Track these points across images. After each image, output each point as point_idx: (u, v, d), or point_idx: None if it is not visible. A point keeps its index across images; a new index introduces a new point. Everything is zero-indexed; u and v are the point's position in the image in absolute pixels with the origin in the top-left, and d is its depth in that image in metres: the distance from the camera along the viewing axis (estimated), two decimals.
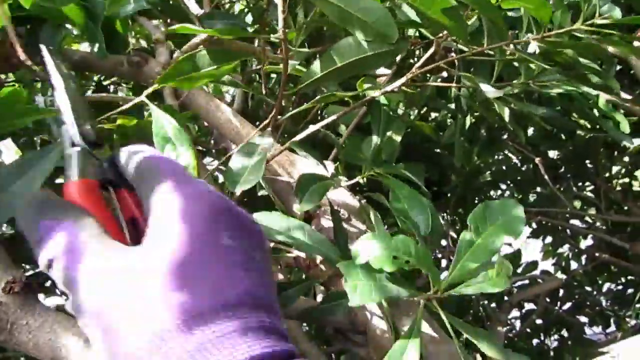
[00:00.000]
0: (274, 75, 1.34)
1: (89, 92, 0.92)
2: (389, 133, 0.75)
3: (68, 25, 0.75)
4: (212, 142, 1.17)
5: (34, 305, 0.43)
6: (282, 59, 0.45)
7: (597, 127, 1.37)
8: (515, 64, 0.73)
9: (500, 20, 0.57)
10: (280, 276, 0.74)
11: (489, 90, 0.57)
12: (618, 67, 1.19)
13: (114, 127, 0.49)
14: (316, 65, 0.49)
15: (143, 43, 1.24)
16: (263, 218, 0.49)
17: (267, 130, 0.48)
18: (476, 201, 1.49)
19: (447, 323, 0.42)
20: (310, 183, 0.55)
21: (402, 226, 0.55)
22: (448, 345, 0.52)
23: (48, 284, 0.99)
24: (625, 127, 0.73)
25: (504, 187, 1.68)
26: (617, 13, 0.71)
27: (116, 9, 0.61)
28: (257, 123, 1.34)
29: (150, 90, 0.45)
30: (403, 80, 0.59)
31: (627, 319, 1.89)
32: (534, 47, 0.79)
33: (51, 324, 0.42)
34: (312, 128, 0.58)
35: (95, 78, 0.92)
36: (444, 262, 1.74)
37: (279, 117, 0.56)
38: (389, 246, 0.41)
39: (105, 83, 0.87)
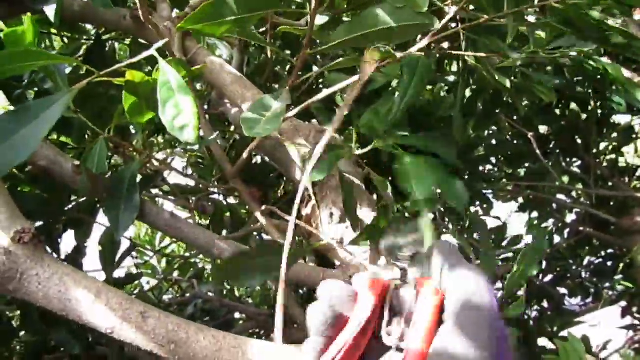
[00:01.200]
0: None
1: (83, 50, 0.89)
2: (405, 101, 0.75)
3: None
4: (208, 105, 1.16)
5: (43, 256, 0.43)
6: (311, 15, 0.45)
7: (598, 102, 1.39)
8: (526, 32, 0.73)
9: None
10: None
11: (514, 55, 0.57)
12: None
13: (122, 82, 0.48)
14: (343, 29, 0.49)
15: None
16: None
17: (285, 89, 0.47)
18: (468, 174, 1.51)
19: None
20: (327, 152, 0.55)
21: (407, 188, 0.56)
22: None
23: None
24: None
25: (494, 161, 1.70)
26: None
27: None
28: (263, 94, 1.32)
29: (160, 43, 0.44)
30: (424, 43, 0.58)
31: (606, 291, 1.94)
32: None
33: (61, 276, 0.42)
34: (322, 93, 0.58)
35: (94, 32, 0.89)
36: None
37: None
38: None
39: (104, 38, 0.85)
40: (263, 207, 0.57)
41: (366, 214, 0.65)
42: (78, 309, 0.42)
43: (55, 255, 1.03)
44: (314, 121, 0.72)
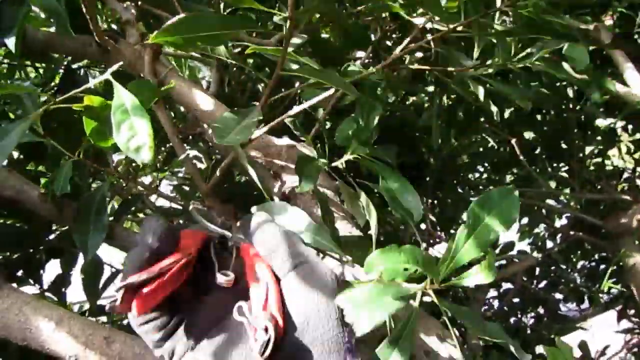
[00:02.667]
0: (249, 60, 1.32)
1: (57, 79, 0.89)
2: (370, 116, 0.75)
3: (34, 8, 0.73)
4: (187, 128, 1.16)
5: (1, 286, 0.42)
6: (286, 38, 0.45)
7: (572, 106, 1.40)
8: (494, 40, 0.73)
9: None
10: None
11: (468, 64, 0.57)
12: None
13: (81, 108, 0.48)
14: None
15: (115, 27, 1.21)
16: (288, 220, 0.49)
17: (257, 105, 0.48)
18: (455, 182, 1.51)
19: (445, 313, 0.42)
20: (306, 164, 0.55)
21: (395, 213, 0.56)
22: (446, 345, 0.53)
23: (20, 272, 0.98)
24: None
25: (481, 169, 1.70)
26: None
27: None
28: (235, 109, 1.33)
29: (115, 67, 0.44)
30: (386, 63, 0.58)
31: (600, 295, 1.94)
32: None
33: (20, 305, 0.41)
34: (295, 109, 0.58)
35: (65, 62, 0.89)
36: (423, 246, 1.76)
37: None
38: (398, 260, 0.41)
39: (74, 66, 0.85)
40: (238, 223, 0.57)
41: (342, 227, 0.65)
42: (39, 337, 0.41)
43: (37, 286, 1.02)
44: (285, 137, 0.72)
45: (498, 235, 0.42)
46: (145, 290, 0.35)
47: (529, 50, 0.84)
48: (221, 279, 0.40)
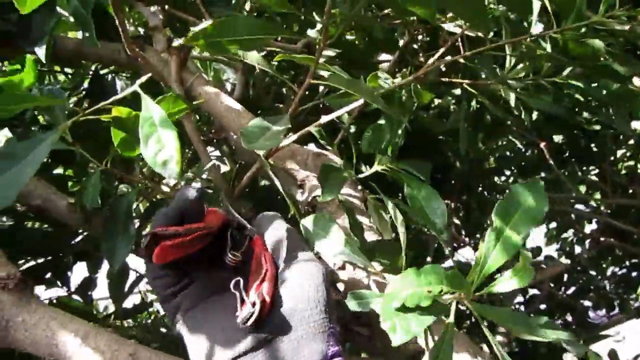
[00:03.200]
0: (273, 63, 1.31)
1: (86, 83, 0.90)
2: (397, 127, 0.74)
3: (62, 11, 0.74)
4: (212, 131, 1.16)
5: (29, 301, 0.42)
6: (319, 46, 0.44)
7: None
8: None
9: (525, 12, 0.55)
10: None
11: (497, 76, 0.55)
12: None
13: (109, 119, 0.48)
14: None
15: (142, 31, 1.22)
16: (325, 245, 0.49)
17: (286, 114, 0.47)
18: (480, 187, 1.48)
19: (482, 321, 0.40)
20: (331, 173, 0.55)
21: (420, 223, 0.54)
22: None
23: (48, 275, 0.99)
24: None
25: (508, 172, 1.66)
26: None
27: None
28: (259, 112, 1.33)
29: (144, 78, 0.44)
30: (417, 74, 0.57)
31: (631, 302, 1.88)
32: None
33: (47, 320, 0.41)
34: (324, 118, 0.57)
35: (93, 67, 0.90)
36: (447, 250, 1.73)
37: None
38: (420, 283, 0.39)
39: (102, 72, 0.86)
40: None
41: (369, 238, 0.63)
42: (65, 353, 0.41)
43: (65, 288, 1.03)
44: (311, 145, 0.71)
45: (528, 235, 0.40)
46: (167, 243, 0.40)
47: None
48: (229, 257, 0.45)
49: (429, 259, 1.52)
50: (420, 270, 0.40)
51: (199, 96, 0.64)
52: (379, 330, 0.57)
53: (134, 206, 1.01)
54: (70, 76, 0.98)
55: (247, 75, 1.19)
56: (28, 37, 0.60)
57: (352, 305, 0.45)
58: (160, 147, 0.40)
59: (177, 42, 0.67)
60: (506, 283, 0.40)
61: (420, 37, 1.02)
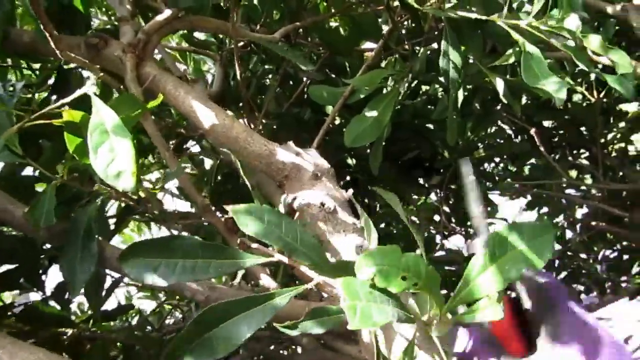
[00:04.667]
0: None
1: (52, 80, 0.85)
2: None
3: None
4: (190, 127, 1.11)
5: None
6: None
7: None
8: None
9: None
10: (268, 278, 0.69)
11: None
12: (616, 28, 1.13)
13: (61, 124, 0.43)
14: None
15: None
16: (259, 216, 0.45)
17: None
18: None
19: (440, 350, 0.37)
20: None
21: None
22: None
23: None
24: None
25: (498, 159, 1.64)
26: None
27: None
28: (240, 104, 1.28)
29: (92, 81, 0.40)
30: None
31: (623, 284, 1.87)
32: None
33: None
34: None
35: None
36: (437, 238, 1.71)
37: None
38: (398, 264, 0.35)
39: (67, 67, 0.80)
40: (238, 240, 0.52)
41: (352, 240, 0.60)
42: None
43: (40, 293, 0.99)
44: (290, 143, 0.67)
45: (522, 273, 0.36)
46: None
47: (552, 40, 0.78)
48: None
49: (418, 251, 1.49)
50: (405, 254, 0.36)
51: (164, 94, 0.59)
52: (363, 342, 0.54)
53: (110, 207, 0.95)
54: (38, 71, 0.93)
55: (226, 66, 1.14)
56: None
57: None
58: (112, 157, 0.36)
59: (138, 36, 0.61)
60: (482, 312, 0.37)
61: (405, 23, 0.98)
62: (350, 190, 0.65)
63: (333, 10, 0.96)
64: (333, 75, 1.26)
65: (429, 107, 1.33)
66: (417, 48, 0.91)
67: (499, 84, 0.86)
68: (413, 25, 0.91)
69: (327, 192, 0.63)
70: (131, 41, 0.60)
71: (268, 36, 0.78)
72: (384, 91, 0.93)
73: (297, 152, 0.65)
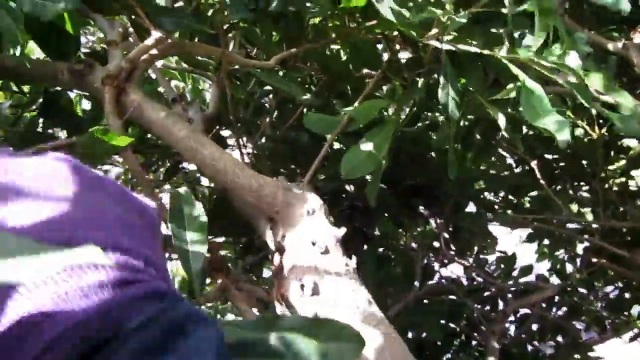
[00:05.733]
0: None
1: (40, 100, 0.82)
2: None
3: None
4: None
5: None
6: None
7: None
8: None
9: None
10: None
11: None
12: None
13: None
14: None
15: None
16: None
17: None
18: (471, 205, 1.42)
19: None
20: None
21: None
22: None
23: None
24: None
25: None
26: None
27: (38, 8, 0.51)
28: (238, 125, 1.25)
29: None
30: None
31: (623, 322, 1.83)
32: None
33: None
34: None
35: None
36: (436, 266, 1.68)
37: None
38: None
39: (54, 89, 0.78)
40: (224, 279, 0.49)
41: (345, 284, 0.56)
42: None
43: None
44: (281, 177, 0.64)
45: None
46: None
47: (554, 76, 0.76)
48: None
49: (416, 282, 1.45)
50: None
51: (149, 123, 0.57)
52: None
53: None
54: (27, 93, 0.90)
55: (223, 87, 1.12)
56: None
57: None
58: None
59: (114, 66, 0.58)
60: None
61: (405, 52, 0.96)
62: (343, 229, 0.62)
63: (333, 36, 0.93)
64: (333, 100, 1.24)
65: (430, 133, 1.30)
66: (417, 78, 0.89)
67: (501, 119, 0.84)
68: (413, 56, 0.89)
69: (319, 229, 0.60)
70: (111, 72, 0.57)
71: (262, 63, 0.76)
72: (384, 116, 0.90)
73: (289, 187, 0.62)
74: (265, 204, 0.60)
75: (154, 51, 0.62)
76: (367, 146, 0.80)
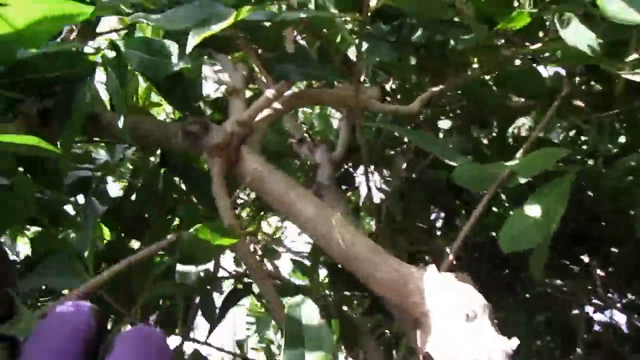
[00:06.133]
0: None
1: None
2: None
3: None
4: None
5: None
6: None
7: None
8: None
9: None
10: None
11: None
12: None
13: None
14: None
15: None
16: None
17: None
18: None
19: None
20: None
21: None
22: None
23: None
24: None
25: None
26: None
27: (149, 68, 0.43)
28: (374, 161, 1.12)
29: None
30: None
31: None
32: None
33: None
34: None
35: None
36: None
37: None
38: None
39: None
40: None
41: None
42: None
43: None
44: (432, 266, 0.49)
45: None
46: None
47: None
48: None
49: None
50: None
51: (269, 197, 0.46)
52: None
53: None
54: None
55: (353, 123, 1.00)
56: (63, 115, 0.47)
57: None
58: None
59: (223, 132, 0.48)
60: None
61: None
62: (515, 341, 0.46)
63: (484, 67, 0.77)
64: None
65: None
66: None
67: None
68: (596, 88, 0.69)
69: (482, 344, 0.44)
70: (219, 142, 0.47)
71: (403, 108, 0.62)
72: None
73: (441, 280, 0.47)
74: (409, 303, 0.46)
75: (276, 105, 0.52)
76: (534, 210, 0.62)
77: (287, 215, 0.48)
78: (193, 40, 0.44)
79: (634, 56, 0.59)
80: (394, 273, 0.47)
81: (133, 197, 0.80)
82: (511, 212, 0.64)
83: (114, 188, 1.01)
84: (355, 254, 0.47)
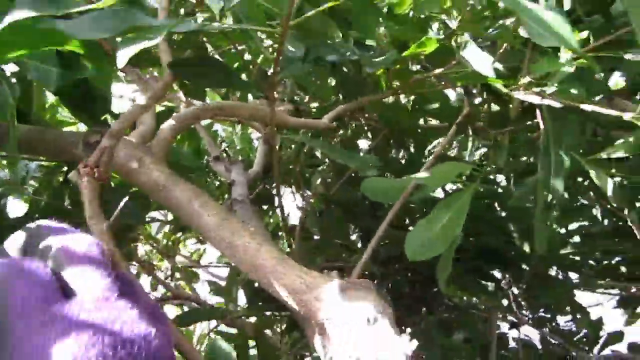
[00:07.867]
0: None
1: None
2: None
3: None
4: None
5: None
6: None
7: None
8: None
9: None
10: None
11: None
12: None
13: None
14: None
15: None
16: None
17: None
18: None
19: None
20: None
21: None
22: None
23: None
24: None
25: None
26: None
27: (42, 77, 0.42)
28: (292, 182, 1.14)
29: None
30: None
31: None
32: None
33: None
34: None
35: None
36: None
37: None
38: None
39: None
40: None
41: None
42: None
43: None
44: (333, 273, 0.51)
45: None
46: None
47: None
48: None
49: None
50: None
51: (173, 206, 0.46)
52: None
53: None
54: None
55: (270, 143, 1.02)
56: None
57: None
58: None
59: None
60: None
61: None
62: (414, 343, 0.47)
63: (395, 85, 0.81)
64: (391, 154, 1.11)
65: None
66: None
67: (608, 185, 0.68)
68: (493, 109, 0.75)
69: (382, 345, 0.46)
70: (88, 160, 0.44)
71: (315, 122, 0.64)
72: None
73: (345, 287, 0.48)
74: (313, 309, 0.47)
75: (187, 115, 0.51)
76: (439, 221, 0.66)
77: (192, 225, 0.48)
78: (125, 56, 0.40)
79: (527, 79, 0.65)
80: (298, 280, 0.47)
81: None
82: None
83: (17, 205, 0.95)
84: (260, 262, 0.47)
